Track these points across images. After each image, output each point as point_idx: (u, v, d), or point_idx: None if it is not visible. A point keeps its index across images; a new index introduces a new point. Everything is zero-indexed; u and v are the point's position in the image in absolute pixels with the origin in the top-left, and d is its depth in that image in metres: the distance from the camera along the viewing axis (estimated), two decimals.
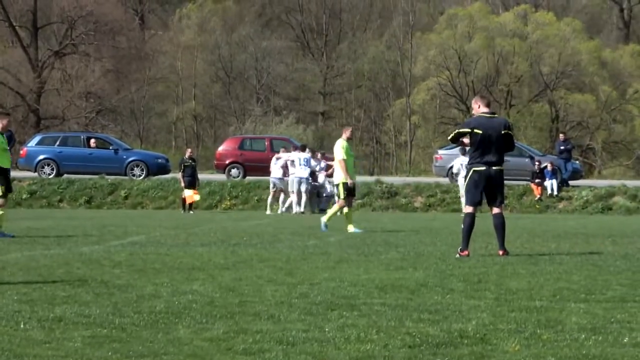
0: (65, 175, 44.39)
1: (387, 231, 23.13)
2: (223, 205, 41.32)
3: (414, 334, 7.52)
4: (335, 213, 23.18)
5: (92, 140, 44.62)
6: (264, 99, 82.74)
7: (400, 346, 7.04)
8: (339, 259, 14.21)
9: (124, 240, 18.23)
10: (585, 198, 41.15)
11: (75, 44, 75.97)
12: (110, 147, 45.06)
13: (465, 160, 38.21)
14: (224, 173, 45.42)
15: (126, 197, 42.51)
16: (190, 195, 36.52)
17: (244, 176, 44.77)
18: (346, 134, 22.78)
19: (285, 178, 36.49)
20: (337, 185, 22.62)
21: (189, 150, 39.45)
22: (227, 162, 45.45)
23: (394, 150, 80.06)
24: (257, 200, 41.69)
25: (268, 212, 36.47)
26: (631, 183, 45.25)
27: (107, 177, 43.74)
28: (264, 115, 78.62)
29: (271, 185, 37.23)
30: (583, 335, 7.49)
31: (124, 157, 44.72)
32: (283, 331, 7.59)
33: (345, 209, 22.60)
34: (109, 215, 32.67)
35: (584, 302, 9.47)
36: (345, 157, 22.26)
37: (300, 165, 36.01)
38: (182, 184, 37.00)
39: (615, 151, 78.10)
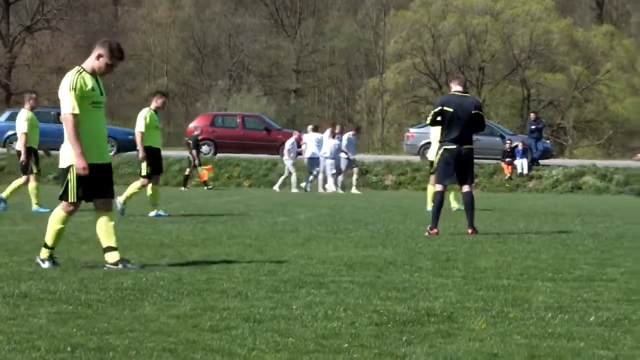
0: None
1: (357, 208, 23.13)
2: (193, 182, 41.19)
3: (381, 311, 7.52)
4: (457, 190, 22.42)
5: None
6: (236, 76, 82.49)
7: (367, 324, 7.04)
8: (308, 237, 14.20)
9: (92, 217, 18.07)
10: (555, 177, 41.31)
11: (47, 19, 75.37)
12: None
13: (314, 136, 38.37)
14: None
15: None
16: (204, 172, 36.88)
17: (215, 153, 44.68)
18: None
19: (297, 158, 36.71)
20: (433, 163, 22.28)
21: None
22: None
23: (366, 128, 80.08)
24: (227, 177, 41.62)
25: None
26: (601, 163, 45.46)
27: None
28: (237, 92, 78.35)
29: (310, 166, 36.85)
30: (549, 314, 7.52)
31: None
32: (250, 308, 7.58)
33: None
34: None
35: (551, 281, 9.51)
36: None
37: (313, 145, 36.18)
38: (197, 161, 37.25)
39: (586, 130, 78.41)
